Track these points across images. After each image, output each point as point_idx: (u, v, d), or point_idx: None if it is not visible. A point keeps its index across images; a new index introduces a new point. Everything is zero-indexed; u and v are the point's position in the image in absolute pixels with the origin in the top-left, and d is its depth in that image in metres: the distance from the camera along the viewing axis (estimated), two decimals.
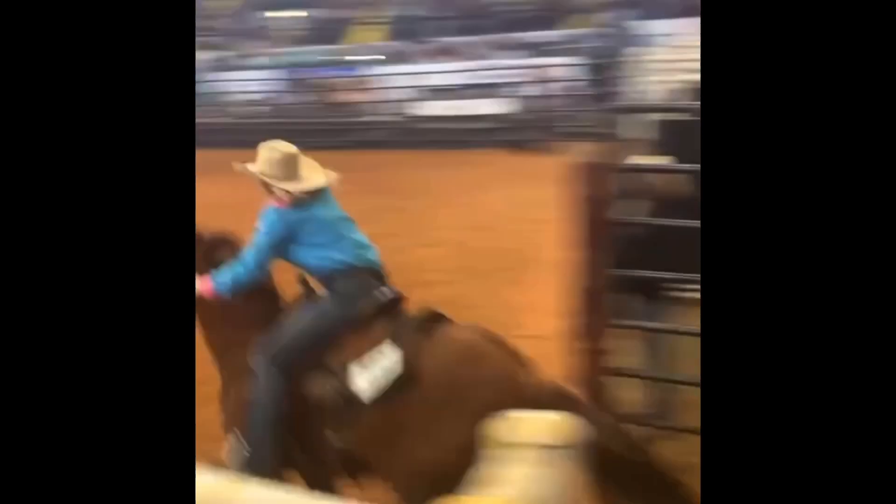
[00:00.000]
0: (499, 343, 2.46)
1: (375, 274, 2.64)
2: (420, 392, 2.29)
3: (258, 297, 2.67)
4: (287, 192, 2.56)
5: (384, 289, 2.62)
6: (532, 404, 1.93)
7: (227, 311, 2.66)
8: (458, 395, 2.26)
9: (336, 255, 2.57)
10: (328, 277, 2.57)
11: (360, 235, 2.70)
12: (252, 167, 2.62)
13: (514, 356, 2.44)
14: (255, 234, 2.59)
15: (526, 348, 2.58)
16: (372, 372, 2.34)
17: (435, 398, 2.28)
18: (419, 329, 2.43)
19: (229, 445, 2.56)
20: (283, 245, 2.58)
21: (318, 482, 2.55)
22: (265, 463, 2.46)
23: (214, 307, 2.63)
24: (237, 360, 2.59)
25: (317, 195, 2.63)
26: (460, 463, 1.97)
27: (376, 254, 2.71)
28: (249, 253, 2.58)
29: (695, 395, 1.84)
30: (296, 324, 2.54)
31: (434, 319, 2.50)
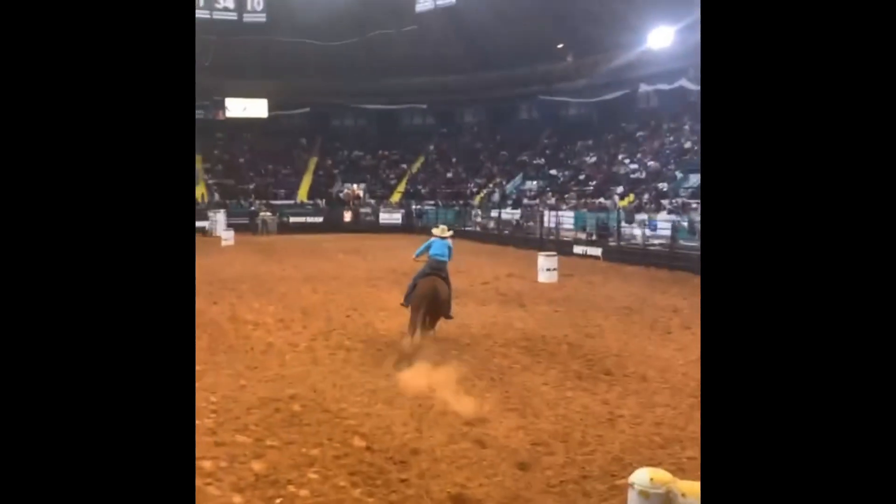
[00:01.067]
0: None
1: (438, 263, 8.25)
2: (433, 290, 8.07)
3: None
4: (433, 234, 8.73)
5: (438, 267, 8.25)
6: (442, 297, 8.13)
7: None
8: (434, 291, 8.03)
9: (432, 252, 8.38)
10: (429, 259, 8.36)
11: (443, 250, 8.36)
12: (436, 230, 8.86)
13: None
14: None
15: None
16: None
17: (432, 291, 8.03)
18: (440, 277, 8.19)
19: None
20: (427, 248, 8.50)
21: (417, 314, 7.93)
22: (408, 301, 8.23)
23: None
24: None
25: (440, 238, 8.53)
26: (436, 307, 8.14)
27: (444, 256, 8.34)
28: (421, 248, 8.65)
29: None
30: (418, 272, 8.43)
31: (443, 275, 8.26)
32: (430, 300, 7.96)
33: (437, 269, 8.19)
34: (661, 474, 1.82)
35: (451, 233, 8.81)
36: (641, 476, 1.84)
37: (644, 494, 1.83)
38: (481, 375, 7.12)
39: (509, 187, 36.93)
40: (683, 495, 1.82)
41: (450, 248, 8.49)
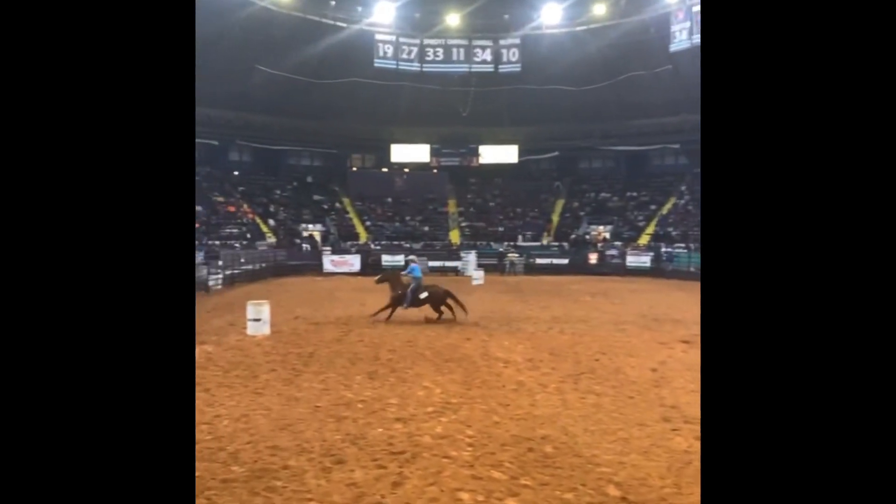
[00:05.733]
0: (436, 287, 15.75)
1: (418, 280, 15.35)
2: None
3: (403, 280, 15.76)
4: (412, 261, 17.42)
5: (420, 283, 15.41)
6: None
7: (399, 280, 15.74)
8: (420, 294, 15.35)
9: (413, 275, 15.51)
10: (414, 280, 15.46)
11: (419, 274, 15.69)
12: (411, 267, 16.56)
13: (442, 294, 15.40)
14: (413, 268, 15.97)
15: None
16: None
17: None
18: (420, 288, 15.34)
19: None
20: (412, 271, 15.76)
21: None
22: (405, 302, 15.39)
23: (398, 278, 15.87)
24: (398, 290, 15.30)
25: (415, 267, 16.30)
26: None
27: (419, 275, 15.63)
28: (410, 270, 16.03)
29: None
30: (415, 286, 15.37)
31: (427, 288, 15.53)
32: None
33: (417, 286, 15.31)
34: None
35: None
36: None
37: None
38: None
39: None
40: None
41: (420, 273, 15.87)
